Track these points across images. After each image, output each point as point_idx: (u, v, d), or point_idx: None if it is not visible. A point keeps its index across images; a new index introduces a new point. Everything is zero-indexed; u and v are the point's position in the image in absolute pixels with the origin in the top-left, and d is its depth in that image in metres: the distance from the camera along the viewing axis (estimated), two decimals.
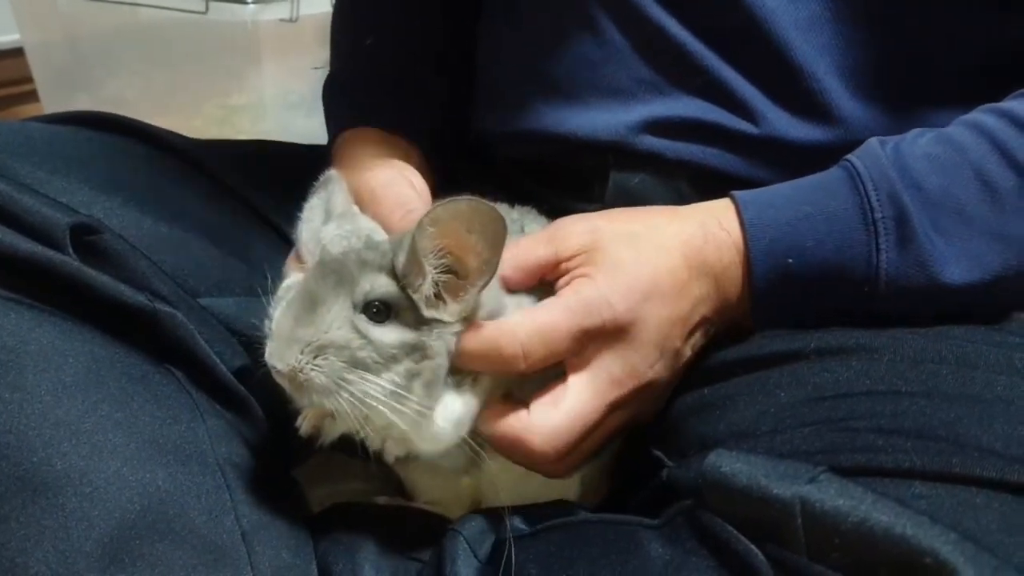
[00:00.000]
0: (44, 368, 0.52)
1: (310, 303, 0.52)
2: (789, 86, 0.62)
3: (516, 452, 0.55)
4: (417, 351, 0.53)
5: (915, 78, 0.62)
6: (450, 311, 0.53)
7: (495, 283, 0.55)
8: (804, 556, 0.42)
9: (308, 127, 1.43)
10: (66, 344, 0.54)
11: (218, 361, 0.60)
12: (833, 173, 0.58)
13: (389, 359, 0.52)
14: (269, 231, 0.73)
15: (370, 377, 0.51)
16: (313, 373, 0.51)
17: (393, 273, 0.53)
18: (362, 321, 0.52)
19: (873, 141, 0.58)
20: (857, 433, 0.47)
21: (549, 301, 0.55)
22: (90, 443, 0.51)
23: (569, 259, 0.57)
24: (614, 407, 0.55)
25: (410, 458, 0.59)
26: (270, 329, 0.53)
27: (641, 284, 0.55)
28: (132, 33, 1.69)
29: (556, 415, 0.54)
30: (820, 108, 0.62)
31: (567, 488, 0.63)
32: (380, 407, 0.51)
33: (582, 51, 0.69)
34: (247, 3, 1.47)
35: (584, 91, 0.69)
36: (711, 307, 0.57)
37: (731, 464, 0.46)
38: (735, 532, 0.45)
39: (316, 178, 0.62)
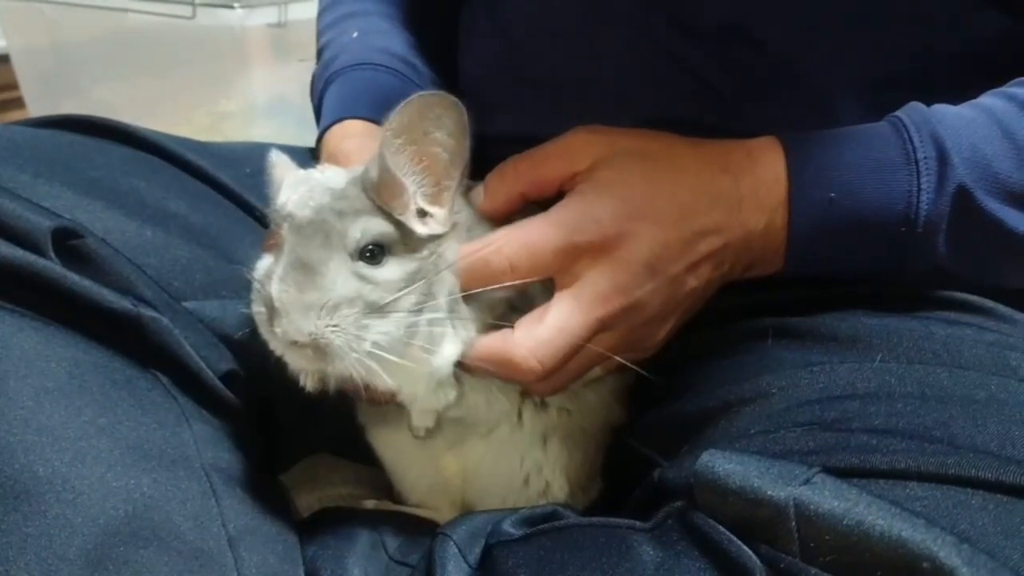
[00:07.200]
0: (26, 374, 0.51)
1: (305, 269, 0.51)
2: (781, 84, 0.62)
3: (502, 369, 0.54)
4: (421, 277, 0.53)
5: (912, 73, 0.62)
6: (439, 219, 0.55)
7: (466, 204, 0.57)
8: (798, 558, 0.41)
9: (298, 134, 1.43)
10: (49, 349, 0.53)
11: (204, 365, 0.59)
12: (877, 124, 0.58)
13: (401, 296, 0.52)
14: (257, 231, 0.72)
15: (386, 321, 0.52)
16: (333, 335, 0.50)
17: (374, 210, 0.53)
18: (363, 268, 0.52)
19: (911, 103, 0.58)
20: (851, 433, 0.47)
21: (539, 216, 0.56)
22: (73, 449, 0.50)
23: (583, 171, 0.57)
24: (601, 325, 0.55)
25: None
26: (272, 307, 0.51)
27: (635, 203, 0.55)
28: (119, 39, 1.69)
29: (540, 328, 0.54)
30: (814, 105, 0.61)
31: (553, 469, 0.63)
32: (400, 347, 0.52)
33: (567, 53, 0.69)
34: (235, 8, 1.47)
35: (570, 93, 0.69)
36: (725, 239, 0.56)
37: (724, 464, 0.45)
38: (728, 533, 0.44)
39: None
